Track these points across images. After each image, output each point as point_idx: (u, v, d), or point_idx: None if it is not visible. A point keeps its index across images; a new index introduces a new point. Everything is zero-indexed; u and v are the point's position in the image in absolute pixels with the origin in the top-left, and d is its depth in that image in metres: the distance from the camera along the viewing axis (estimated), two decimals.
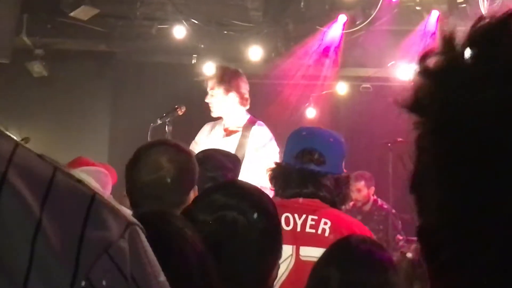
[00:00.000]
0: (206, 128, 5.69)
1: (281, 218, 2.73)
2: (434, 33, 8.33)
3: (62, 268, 0.75)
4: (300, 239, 3.12)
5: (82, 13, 8.22)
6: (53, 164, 0.82)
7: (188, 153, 3.22)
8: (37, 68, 9.05)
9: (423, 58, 0.77)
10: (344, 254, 2.08)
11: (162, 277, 0.87)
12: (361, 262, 2.12)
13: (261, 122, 5.61)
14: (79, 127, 9.10)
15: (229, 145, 5.21)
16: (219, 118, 5.67)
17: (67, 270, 0.75)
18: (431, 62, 0.77)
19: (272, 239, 1.91)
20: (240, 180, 3.57)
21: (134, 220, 0.85)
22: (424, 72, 0.77)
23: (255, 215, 1.88)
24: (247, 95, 5.63)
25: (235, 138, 5.46)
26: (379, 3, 8.18)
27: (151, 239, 1.54)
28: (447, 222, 0.74)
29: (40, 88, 9.08)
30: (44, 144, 7.78)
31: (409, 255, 3.01)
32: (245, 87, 5.64)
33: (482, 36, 0.75)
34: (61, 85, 9.14)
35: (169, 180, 2.98)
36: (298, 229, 3.19)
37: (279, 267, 1.93)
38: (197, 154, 3.95)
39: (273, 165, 5.13)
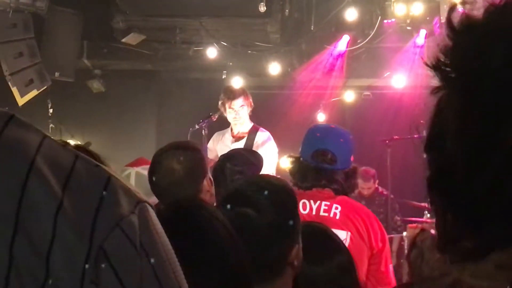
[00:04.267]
0: (217, 137, 5.84)
1: (299, 204, 2.71)
2: (422, 48, 8.30)
3: (80, 240, 0.75)
4: (315, 221, 3.11)
5: (132, 39, 8.27)
6: (74, 152, 0.82)
7: (194, 149, 3.17)
8: (96, 85, 9.12)
9: (449, 14, 0.75)
10: None
11: (168, 246, 0.85)
12: (310, 257, 2.02)
13: (263, 129, 5.79)
14: (131, 132, 9.14)
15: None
16: (224, 128, 5.94)
17: (84, 242, 0.75)
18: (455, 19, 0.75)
19: (280, 229, 1.86)
20: (268, 175, 3.55)
21: (144, 198, 0.83)
22: (449, 32, 0.75)
23: (266, 209, 1.85)
24: None
25: (243, 142, 5.59)
26: (376, 25, 8.16)
27: (189, 223, 1.52)
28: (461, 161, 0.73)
29: (98, 101, 9.14)
30: (102, 146, 7.81)
31: (432, 231, 2.96)
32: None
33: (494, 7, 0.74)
34: (116, 99, 9.20)
35: (181, 180, 2.95)
36: (313, 213, 3.18)
37: (298, 249, 1.88)
38: (226, 152, 3.96)
39: (273, 161, 5.34)
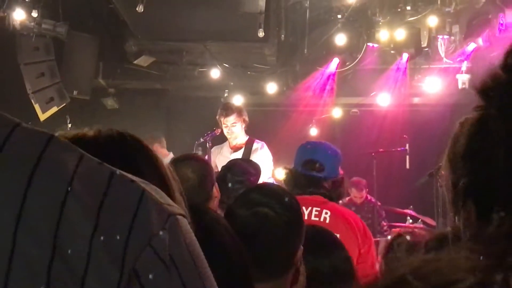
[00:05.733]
0: (215, 150, 5.87)
1: None
2: (404, 70, 8.35)
3: (113, 262, 0.71)
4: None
5: (143, 61, 8.31)
6: (110, 169, 0.77)
7: (204, 161, 3.25)
8: (110, 103, 9.13)
9: (507, 57, 0.76)
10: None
11: (200, 255, 0.80)
12: (312, 249, 2.03)
13: (258, 141, 5.82)
14: None
15: (236, 157, 5.36)
16: (222, 142, 5.97)
17: (117, 263, 0.71)
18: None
19: (294, 228, 1.88)
20: (271, 183, 3.56)
21: (175, 210, 0.78)
22: (506, 68, 0.75)
23: (281, 210, 1.86)
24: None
25: (240, 152, 5.63)
26: (363, 49, 8.20)
27: (195, 227, 1.51)
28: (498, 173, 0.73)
29: (112, 117, 9.13)
30: None
31: (407, 237, 2.96)
32: (247, 116, 5.86)
33: None
34: (128, 114, 9.19)
35: (195, 187, 2.99)
36: (305, 217, 3.19)
37: (302, 249, 1.90)
38: (226, 163, 3.97)
39: (268, 166, 5.39)
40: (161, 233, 0.74)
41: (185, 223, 0.79)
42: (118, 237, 0.72)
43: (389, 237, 7.28)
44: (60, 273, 0.69)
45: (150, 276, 0.72)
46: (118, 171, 0.77)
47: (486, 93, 0.76)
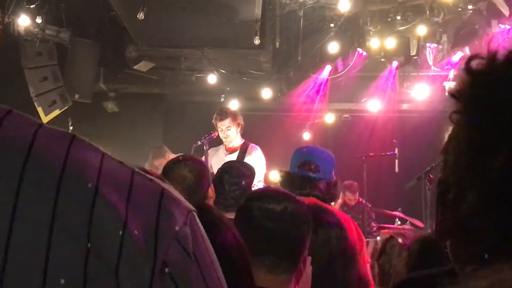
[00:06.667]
0: (211, 152, 5.90)
1: None
2: (394, 77, 8.37)
3: (145, 256, 0.71)
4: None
5: (142, 66, 8.30)
6: (131, 168, 0.78)
7: (201, 162, 3.24)
8: (110, 106, 9.14)
9: (469, 61, 0.79)
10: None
11: (212, 250, 0.82)
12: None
13: (253, 144, 5.81)
14: (140, 148, 9.10)
15: (231, 159, 5.38)
16: (218, 145, 5.96)
17: (149, 257, 0.72)
18: (474, 65, 0.79)
19: (310, 222, 1.94)
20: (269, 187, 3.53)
21: (192, 207, 0.80)
22: (467, 70, 0.80)
23: (300, 205, 1.91)
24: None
25: (235, 154, 5.63)
26: (354, 56, 8.23)
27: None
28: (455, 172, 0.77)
29: (112, 120, 9.15)
30: None
31: (399, 240, 2.92)
32: (242, 120, 5.84)
33: None
34: (128, 118, 9.21)
35: (192, 186, 2.98)
36: None
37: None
38: (222, 165, 3.97)
39: (261, 169, 5.38)
40: (184, 228, 0.75)
41: (198, 219, 0.80)
42: (147, 232, 0.72)
43: (378, 238, 7.30)
44: (96, 268, 0.70)
45: (179, 269, 0.73)
46: (137, 169, 0.78)
47: (453, 95, 0.81)
